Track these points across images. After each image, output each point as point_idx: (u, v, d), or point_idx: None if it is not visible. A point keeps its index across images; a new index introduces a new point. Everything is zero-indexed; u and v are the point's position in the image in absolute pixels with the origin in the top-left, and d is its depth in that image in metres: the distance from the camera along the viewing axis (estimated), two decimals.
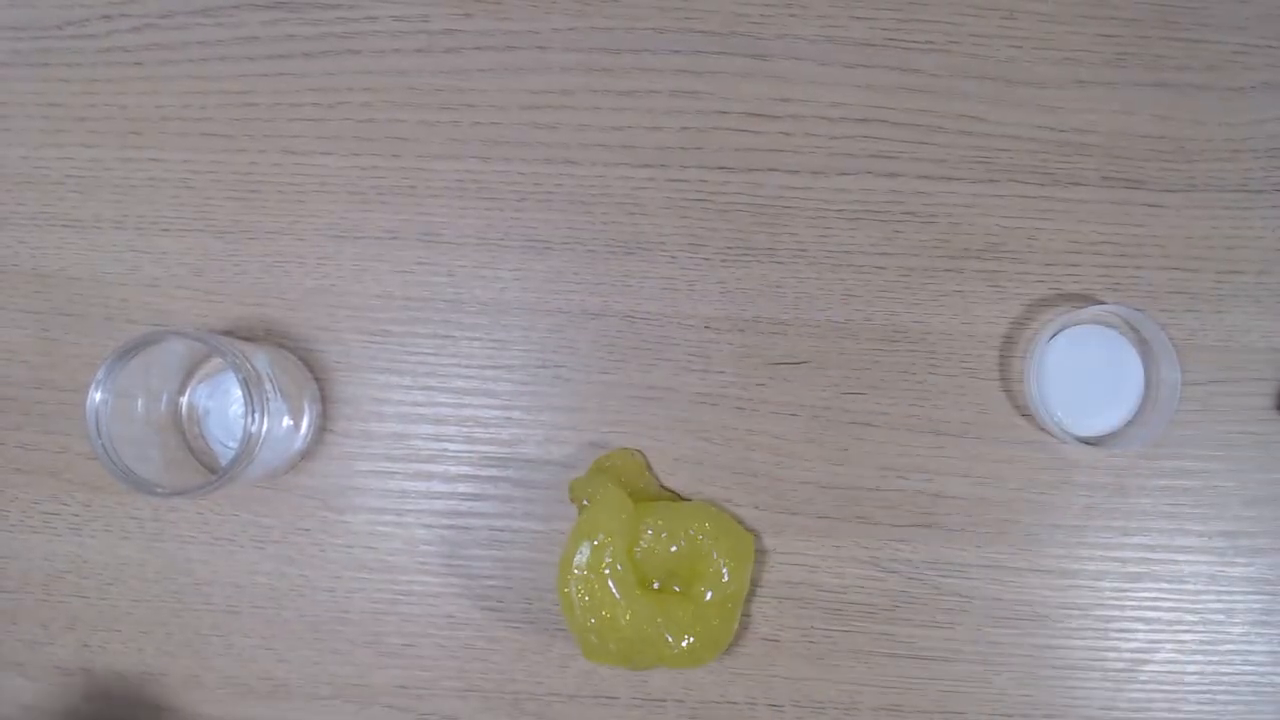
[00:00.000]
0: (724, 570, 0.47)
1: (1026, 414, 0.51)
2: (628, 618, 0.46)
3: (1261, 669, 0.50)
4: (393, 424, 0.51)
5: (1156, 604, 0.50)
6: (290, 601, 0.50)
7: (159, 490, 0.44)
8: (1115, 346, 0.50)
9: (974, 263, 0.51)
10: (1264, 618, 0.50)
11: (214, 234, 0.51)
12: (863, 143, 0.51)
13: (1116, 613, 0.50)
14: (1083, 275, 0.51)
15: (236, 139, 0.51)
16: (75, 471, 0.51)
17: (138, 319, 0.51)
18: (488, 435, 0.51)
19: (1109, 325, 0.51)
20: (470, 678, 0.50)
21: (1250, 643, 0.50)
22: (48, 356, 0.51)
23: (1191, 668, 0.50)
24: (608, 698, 0.50)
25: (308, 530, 0.51)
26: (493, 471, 0.51)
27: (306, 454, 0.50)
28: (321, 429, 0.51)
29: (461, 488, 0.51)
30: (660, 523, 0.48)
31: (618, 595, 0.46)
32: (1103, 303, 0.50)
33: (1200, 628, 0.50)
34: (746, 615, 0.50)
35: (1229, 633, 0.50)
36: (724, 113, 0.51)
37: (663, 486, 0.50)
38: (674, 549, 0.48)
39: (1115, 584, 0.50)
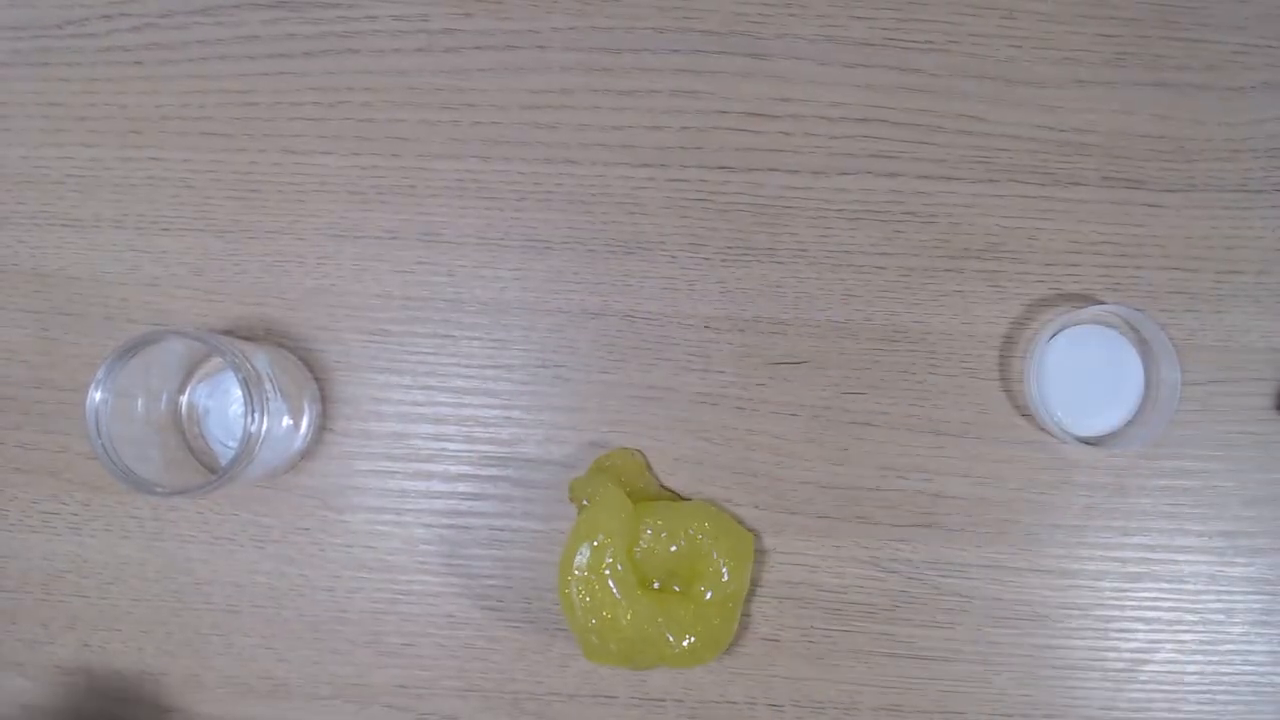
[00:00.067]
0: (724, 570, 0.47)
1: (1026, 414, 0.51)
2: (629, 618, 0.46)
3: (1261, 669, 0.50)
4: (392, 424, 0.51)
5: (1156, 604, 0.50)
6: (290, 601, 0.50)
7: (159, 490, 0.44)
8: (1115, 346, 0.50)
9: (974, 263, 0.51)
10: (1264, 618, 0.50)
11: (214, 234, 0.51)
12: (863, 143, 0.51)
13: (1116, 613, 0.50)
14: (1083, 275, 0.51)
15: (236, 138, 0.51)
16: (75, 471, 0.51)
17: (138, 319, 0.51)
18: (488, 435, 0.51)
19: (1109, 325, 0.51)
20: (470, 677, 0.50)
21: (1250, 643, 0.50)
22: (48, 356, 0.51)
23: (1191, 668, 0.50)
24: (607, 697, 0.50)
25: (307, 530, 0.51)
26: (493, 471, 0.51)
27: (306, 454, 0.50)
28: (321, 429, 0.51)
29: (461, 487, 0.51)
30: (660, 523, 0.48)
31: (618, 595, 0.46)
32: (1103, 303, 0.50)
33: (1200, 628, 0.50)
34: (746, 615, 0.50)
35: (1229, 633, 0.50)
36: (724, 113, 0.51)
37: (663, 486, 0.50)
38: (674, 549, 0.48)
39: (1115, 584, 0.50)
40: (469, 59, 0.51)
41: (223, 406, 0.50)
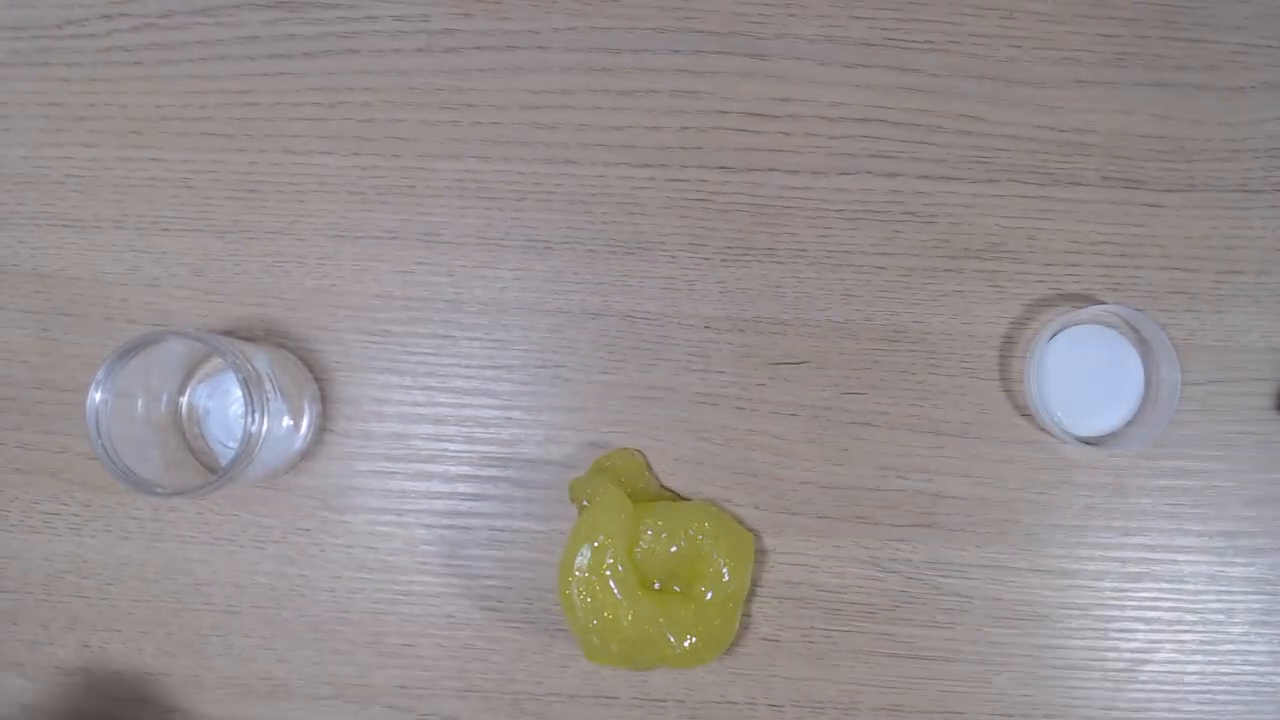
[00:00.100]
0: (724, 570, 0.47)
1: (1026, 414, 0.51)
2: (630, 618, 0.46)
3: (1261, 669, 0.50)
4: (393, 424, 0.51)
5: (1156, 604, 0.50)
6: (290, 601, 0.50)
7: (159, 490, 0.44)
8: (1115, 346, 0.50)
9: (974, 263, 0.51)
10: (1264, 618, 0.50)
11: (214, 234, 0.51)
12: (863, 143, 0.51)
13: (1116, 613, 0.50)
14: (1083, 275, 0.51)
15: (236, 139, 0.51)
16: (75, 471, 0.51)
17: (138, 319, 0.51)
18: (488, 435, 0.51)
19: (1109, 325, 0.51)
20: (470, 678, 0.50)
21: (1250, 643, 0.50)
22: (48, 356, 0.51)
23: (1191, 668, 0.50)
24: (608, 698, 0.50)
25: (308, 530, 0.51)
26: (493, 471, 0.51)
27: (306, 454, 0.50)
28: (321, 429, 0.51)
29: (461, 488, 0.51)
30: (660, 523, 0.48)
31: (619, 596, 0.46)
32: (1103, 303, 0.50)
33: (1200, 628, 0.50)
34: (746, 615, 0.50)
35: (1229, 633, 0.50)
36: (724, 113, 0.51)
37: (663, 486, 0.50)
38: (674, 549, 0.48)
39: (1115, 584, 0.50)
40: (469, 59, 0.51)
41: (223, 407, 0.50)
